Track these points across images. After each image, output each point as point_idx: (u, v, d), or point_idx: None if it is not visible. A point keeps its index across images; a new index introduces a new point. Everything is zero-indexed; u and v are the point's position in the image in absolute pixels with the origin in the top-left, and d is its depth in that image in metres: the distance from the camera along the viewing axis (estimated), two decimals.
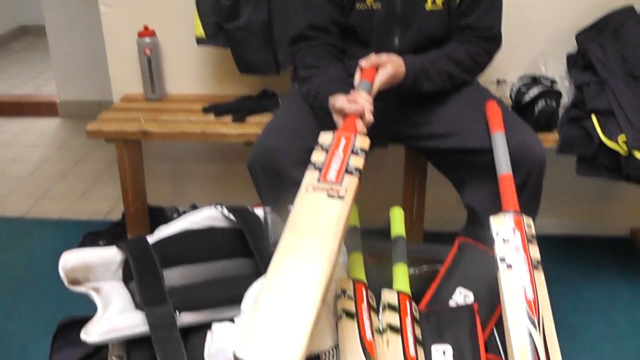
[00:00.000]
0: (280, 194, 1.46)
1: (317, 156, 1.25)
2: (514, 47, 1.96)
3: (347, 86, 1.54)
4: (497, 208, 1.37)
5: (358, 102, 1.41)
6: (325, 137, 1.31)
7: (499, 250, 1.26)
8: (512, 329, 1.13)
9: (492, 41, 1.76)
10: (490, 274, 1.26)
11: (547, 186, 1.64)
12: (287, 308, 0.98)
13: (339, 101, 1.44)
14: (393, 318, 1.21)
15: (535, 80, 1.95)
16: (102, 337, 1.08)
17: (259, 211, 1.37)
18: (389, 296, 1.26)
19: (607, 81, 1.90)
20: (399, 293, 1.27)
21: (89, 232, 2.29)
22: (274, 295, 1.00)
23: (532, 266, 1.22)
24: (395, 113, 1.74)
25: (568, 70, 2.07)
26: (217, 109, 2.13)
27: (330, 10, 1.69)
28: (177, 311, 1.14)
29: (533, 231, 1.31)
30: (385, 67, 1.55)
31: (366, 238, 1.40)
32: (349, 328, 1.14)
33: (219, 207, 1.35)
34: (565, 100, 1.95)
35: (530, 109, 1.90)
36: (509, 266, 1.22)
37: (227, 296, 1.19)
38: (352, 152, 1.26)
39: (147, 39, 2.19)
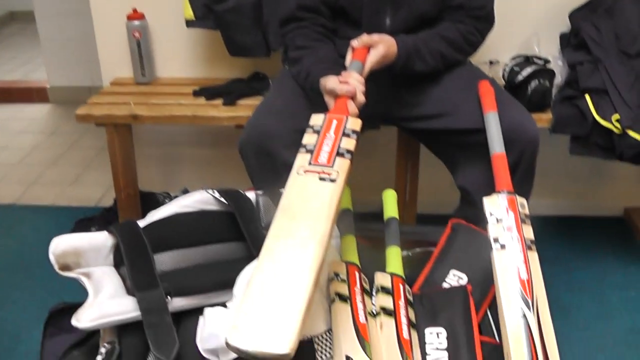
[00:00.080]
0: (272, 177, 1.45)
1: (309, 139, 1.24)
2: (506, 26, 1.94)
3: (338, 67, 1.53)
4: (491, 189, 1.36)
5: (349, 82, 1.40)
6: (316, 119, 1.29)
7: (492, 230, 1.25)
8: (505, 310, 1.13)
9: (484, 20, 1.74)
10: (484, 255, 1.25)
11: (541, 166, 1.64)
12: (280, 292, 0.97)
13: (330, 82, 1.43)
14: (386, 301, 1.20)
15: (528, 60, 1.94)
16: (93, 323, 1.08)
17: (251, 194, 1.36)
18: (382, 279, 1.25)
19: (600, 60, 1.88)
20: (392, 276, 1.26)
21: (81, 218, 2.29)
22: (266, 279, 0.99)
23: (526, 246, 1.22)
24: (387, 94, 1.72)
25: (561, 49, 2.06)
26: (207, 92, 2.11)
27: None
28: (168, 296, 1.14)
29: (526, 211, 1.30)
30: (377, 47, 1.53)
31: (359, 221, 1.39)
32: (342, 311, 1.14)
33: (210, 190, 1.34)
34: (559, 79, 1.94)
35: (523, 88, 1.88)
36: (503, 246, 1.22)
37: (219, 280, 1.18)
38: (344, 134, 1.25)
39: (136, 22, 2.16)
